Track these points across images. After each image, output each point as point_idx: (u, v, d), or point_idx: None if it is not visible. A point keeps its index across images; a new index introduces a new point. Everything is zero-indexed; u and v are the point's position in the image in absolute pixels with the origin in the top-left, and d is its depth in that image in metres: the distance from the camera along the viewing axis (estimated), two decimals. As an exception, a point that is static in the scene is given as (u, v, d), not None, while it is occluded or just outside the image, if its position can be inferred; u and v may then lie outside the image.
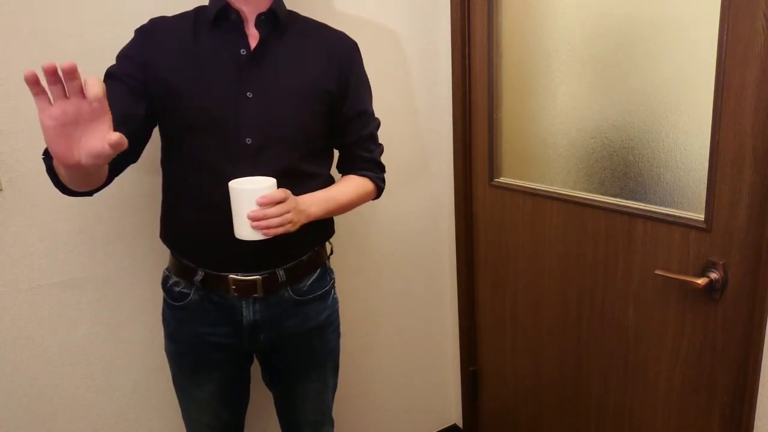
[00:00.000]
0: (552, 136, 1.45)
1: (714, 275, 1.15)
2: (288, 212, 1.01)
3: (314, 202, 1.12)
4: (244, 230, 1.00)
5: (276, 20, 1.10)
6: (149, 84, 1.06)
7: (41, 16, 1.18)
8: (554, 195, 1.46)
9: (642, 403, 1.36)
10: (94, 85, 0.73)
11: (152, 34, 1.09)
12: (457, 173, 1.75)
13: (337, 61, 1.16)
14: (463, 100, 1.67)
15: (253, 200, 0.98)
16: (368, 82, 1.25)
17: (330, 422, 1.36)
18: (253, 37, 1.09)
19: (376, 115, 1.26)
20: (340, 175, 1.27)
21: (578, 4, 1.31)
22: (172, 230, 1.17)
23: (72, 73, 0.71)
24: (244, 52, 1.08)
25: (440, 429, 2.04)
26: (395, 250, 1.78)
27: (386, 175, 1.30)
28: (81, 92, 0.73)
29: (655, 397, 1.33)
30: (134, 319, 1.39)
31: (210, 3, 1.10)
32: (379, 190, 1.28)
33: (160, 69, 1.06)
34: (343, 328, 1.74)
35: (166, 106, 1.08)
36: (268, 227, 0.99)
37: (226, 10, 1.08)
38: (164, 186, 1.17)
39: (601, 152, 1.34)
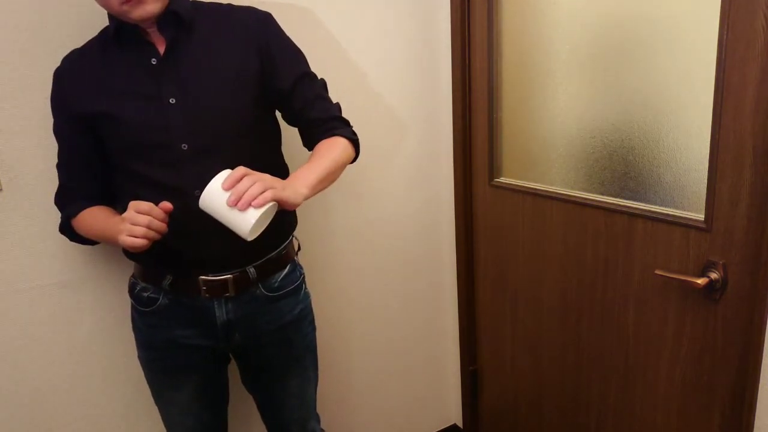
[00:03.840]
0: (552, 136, 1.45)
1: (714, 275, 1.15)
2: (260, 179, 0.93)
3: (298, 176, 1.04)
4: (243, 223, 0.92)
5: (179, 19, 1.06)
6: (83, 123, 1.09)
7: (41, 15, 1.18)
8: (554, 195, 1.46)
9: (642, 403, 1.36)
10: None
11: (66, 73, 1.11)
12: (457, 173, 1.75)
13: (252, 39, 1.11)
14: (463, 100, 1.67)
15: (222, 192, 0.92)
16: (295, 46, 1.18)
17: (315, 418, 1.36)
18: (161, 42, 1.07)
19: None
20: (310, 152, 1.21)
21: (578, 4, 1.31)
22: None
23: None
24: (155, 61, 1.06)
25: (440, 429, 2.04)
26: (395, 249, 1.78)
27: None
28: None
29: (655, 397, 1.33)
30: (134, 319, 1.39)
31: (109, 22, 1.07)
32: (354, 142, 1.19)
33: (85, 104, 1.07)
34: (343, 329, 1.74)
35: (103, 135, 1.09)
36: (252, 197, 0.90)
37: (122, 27, 1.05)
38: (120, 203, 1.15)
39: (601, 152, 1.34)
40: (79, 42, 1.21)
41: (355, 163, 1.24)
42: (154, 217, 0.96)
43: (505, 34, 1.53)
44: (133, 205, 0.97)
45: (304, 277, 1.29)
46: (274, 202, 0.94)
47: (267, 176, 0.96)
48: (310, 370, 1.31)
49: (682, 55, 1.14)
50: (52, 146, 1.23)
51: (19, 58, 1.18)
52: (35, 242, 1.25)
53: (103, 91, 1.06)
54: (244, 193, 0.90)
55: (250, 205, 0.90)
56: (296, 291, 1.24)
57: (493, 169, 1.65)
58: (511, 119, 1.56)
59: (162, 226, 0.98)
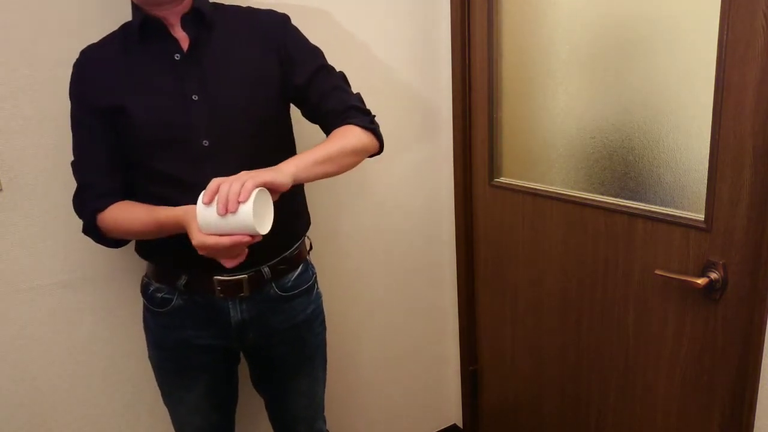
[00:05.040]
0: (552, 136, 1.45)
1: (714, 275, 1.15)
2: (235, 179, 0.91)
3: (290, 159, 1.02)
4: (244, 222, 0.90)
5: (201, 17, 1.08)
6: (104, 116, 1.07)
7: (41, 15, 1.18)
8: (554, 195, 1.46)
9: (642, 403, 1.36)
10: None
11: (86, 66, 1.10)
12: (457, 173, 1.75)
13: (271, 39, 1.12)
14: (463, 100, 1.67)
15: (209, 209, 0.91)
16: (312, 44, 1.18)
17: (322, 418, 1.37)
18: (183, 39, 1.07)
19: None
20: None
21: (578, 4, 1.31)
22: (148, 244, 1.15)
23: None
24: (178, 57, 1.06)
25: (440, 429, 2.04)
26: (396, 250, 1.78)
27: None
28: None
29: (655, 397, 1.33)
30: (134, 318, 1.39)
31: (132, 17, 1.08)
32: (371, 131, 1.14)
33: (105, 97, 1.06)
34: (343, 328, 1.74)
35: (120, 130, 1.08)
36: (236, 194, 0.89)
37: (148, 21, 1.06)
38: (137, 200, 1.14)
39: (601, 152, 1.34)
40: (79, 42, 1.21)
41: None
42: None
43: (505, 34, 1.53)
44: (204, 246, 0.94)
45: (316, 277, 1.29)
46: (262, 188, 0.93)
47: (241, 173, 0.94)
48: (319, 370, 1.31)
49: (682, 55, 1.14)
50: (52, 146, 1.23)
51: (19, 58, 1.18)
52: (35, 242, 1.25)
53: (124, 85, 1.06)
54: (227, 197, 0.89)
55: (238, 203, 0.89)
56: (309, 291, 1.25)
57: (493, 169, 1.65)
58: (511, 119, 1.56)
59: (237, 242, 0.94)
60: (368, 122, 1.14)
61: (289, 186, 0.97)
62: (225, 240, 0.92)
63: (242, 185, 0.90)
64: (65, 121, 1.22)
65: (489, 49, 1.56)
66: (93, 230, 1.11)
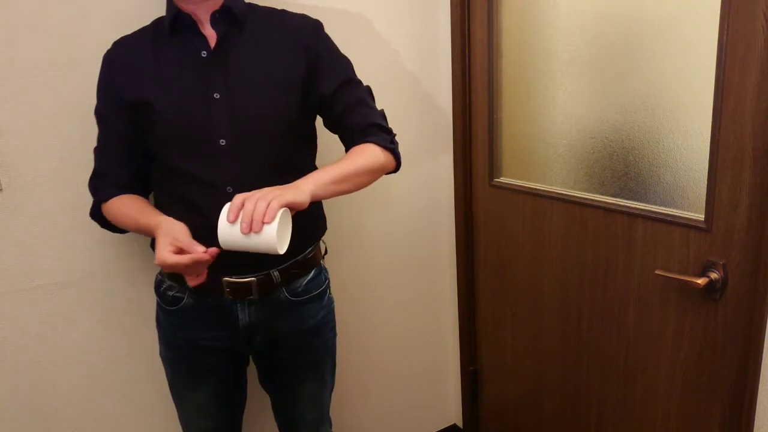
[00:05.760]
0: (552, 136, 1.45)
1: (714, 275, 1.15)
2: (260, 196, 0.92)
3: (309, 176, 1.04)
4: (267, 242, 0.91)
5: (232, 16, 1.08)
6: (127, 109, 1.09)
7: (41, 15, 1.18)
8: (554, 195, 1.46)
9: (642, 403, 1.37)
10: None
11: (116, 58, 1.11)
12: (457, 173, 1.75)
13: (301, 44, 1.12)
14: (463, 101, 1.67)
15: (233, 226, 0.92)
16: (343, 55, 1.19)
17: (328, 422, 1.36)
18: (212, 37, 1.08)
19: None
20: None
21: (578, 4, 1.31)
22: None
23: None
24: (205, 54, 1.07)
25: (440, 429, 2.04)
26: (395, 250, 1.78)
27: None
28: None
29: (655, 397, 1.33)
30: (135, 318, 1.39)
31: (166, 12, 1.09)
32: (392, 152, 1.16)
33: (131, 90, 1.07)
34: (343, 329, 1.74)
35: (143, 124, 1.09)
36: (261, 215, 0.90)
37: (179, 16, 1.07)
38: (154, 196, 1.18)
39: (601, 152, 1.34)
40: (80, 42, 1.21)
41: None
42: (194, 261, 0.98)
43: (505, 34, 1.53)
44: (168, 260, 0.97)
45: (329, 283, 1.28)
46: (284, 208, 0.94)
47: (264, 190, 0.95)
48: (327, 375, 1.30)
49: (682, 56, 1.14)
50: (52, 146, 1.23)
51: (19, 58, 1.18)
52: (35, 242, 1.25)
53: (151, 80, 1.07)
54: (252, 216, 0.90)
55: (262, 223, 0.90)
56: (320, 296, 1.23)
57: (493, 169, 1.65)
58: (511, 119, 1.56)
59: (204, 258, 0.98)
60: (388, 141, 1.15)
61: (308, 205, 0.99)
62: (184, 258, 0.96)
63: (267, 205, 0.90)
64: (65, 122, 1.23)
65: (489, 49, 1.56)
66: (97, 217, 1.18)
